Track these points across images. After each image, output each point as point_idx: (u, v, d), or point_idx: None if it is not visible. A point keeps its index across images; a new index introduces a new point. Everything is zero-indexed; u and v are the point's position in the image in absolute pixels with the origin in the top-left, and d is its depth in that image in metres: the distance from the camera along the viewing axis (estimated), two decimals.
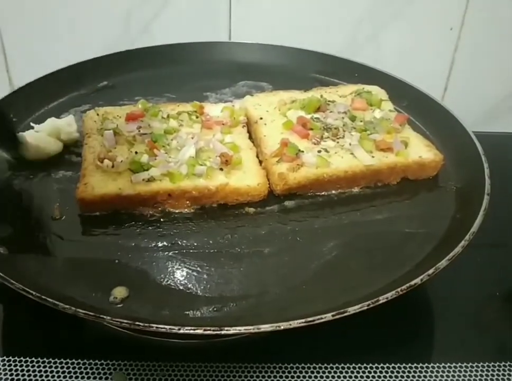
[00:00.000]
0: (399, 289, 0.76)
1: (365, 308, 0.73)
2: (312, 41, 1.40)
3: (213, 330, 0.70)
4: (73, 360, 0.86)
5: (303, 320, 0.71)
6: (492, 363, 0.89)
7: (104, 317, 0.71)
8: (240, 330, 0.71)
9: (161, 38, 1.43)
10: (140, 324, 0.71)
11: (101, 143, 1.04)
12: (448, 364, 0.89)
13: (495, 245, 1.13)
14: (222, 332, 0.70)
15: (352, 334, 0.90)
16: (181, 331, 0.70)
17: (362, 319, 0.75)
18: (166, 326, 0.70)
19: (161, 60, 1.37)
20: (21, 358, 0.87)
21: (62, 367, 0.86)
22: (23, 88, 1.20)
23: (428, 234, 0.92)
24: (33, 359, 0.87)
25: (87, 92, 1.27)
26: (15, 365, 0.86)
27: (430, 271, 0.78)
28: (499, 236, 1.15)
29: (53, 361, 0.87)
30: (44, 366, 0.86)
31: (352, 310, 0.72)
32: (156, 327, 0.70)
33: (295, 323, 0.71)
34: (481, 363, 0.89)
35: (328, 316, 0.71)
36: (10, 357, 0.87)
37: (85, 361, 0.86)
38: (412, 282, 0.77)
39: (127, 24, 1.45)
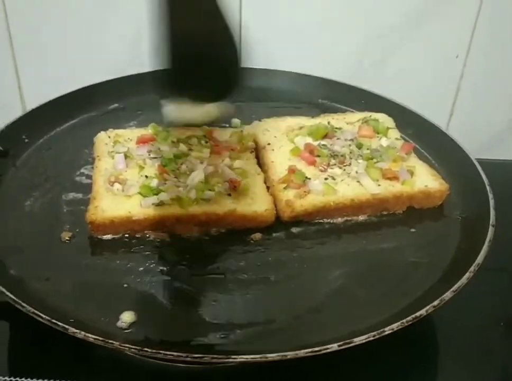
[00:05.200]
0: (404, 320, 0.76)
1: (371, 338, 0.74)
2: (319, 68, 1.41)
3: (220, 358, 0.71)
4: None
5: (309, 350, 0.72)
6: None
7: (114, 342, 0.72)
8: (247, 359, 0.71)
9: None
10: (148, 350, 0.71)
11: (111, 165, 1.05)
12: None
13: (500, 271, 1.13)
14: (230, 360, 0.71)
15: (355, 359, 0.89)
16: (189, 358, 0.71)
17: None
18: (174, 353, 0.71)
19: None
20: (27, 379, 0.86)
21: None
22: (35, 109, 1.22)
23: (433, 264, 0.93)
24: (39, 379, 0.86)
25: (98, 114, 1.28)
26: None
27: (436, 303, 0.79)
28: (504, 262, 1.15)
29: None
30: None
31: (358, 340, 0.73)
32: (164, 354, 0.71)
33: (301, 353, 0.71)
34: None
35: (334, 346, 0.72)
36: (18, 379, 0.86)
37: None
38: (418, 314, 0.78)
39: (138, 46, 1.47)
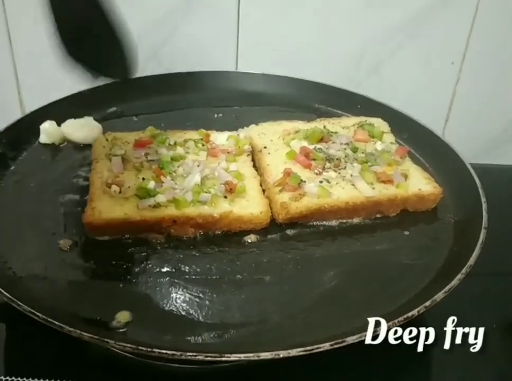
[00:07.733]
0: (396, 320, 0.77)
1: (363, 338, 0.75)
2: (316, 72, 1.43)
3: (214, 356, 0.72)
4: None
5: (301, 349, 0.73)
6: None
7: (109, 341, 0.73)
8: (240, 357, 0.72)
9: (168, 66, 1.46)
10: (143, 348, 0.72)
11: (109, 168, 1.06)
12: None
13: (493, 275, 1.14)
14: (223, 359, 0.72)
15: (350, 360, 0.90)
16: (183, 357, 0.72)
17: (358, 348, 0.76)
18: (168, 351, 0.72)
19: (168, 88, 1.40)
20: (21, 379, 0.87)
21: None
22: (34, 112, 1.23)
23: (426, 266, 0.94)
24: (32, 379, 0.87)
25: (96, 117, 1.29)
26: None
27: (427, 303, 0.80)
28: (497, 265, 1.16)
29: None
30: None
31: (350, 340, 0.74)
32: (159, 352, 0.72)
33: (294, 352, 0.72)
34: None
35: (326, 345, 0.73)
36: (13, 378, 0.87)
37: None
38: (410, 314, 0.79)
39: (135, 50, 1.48)
